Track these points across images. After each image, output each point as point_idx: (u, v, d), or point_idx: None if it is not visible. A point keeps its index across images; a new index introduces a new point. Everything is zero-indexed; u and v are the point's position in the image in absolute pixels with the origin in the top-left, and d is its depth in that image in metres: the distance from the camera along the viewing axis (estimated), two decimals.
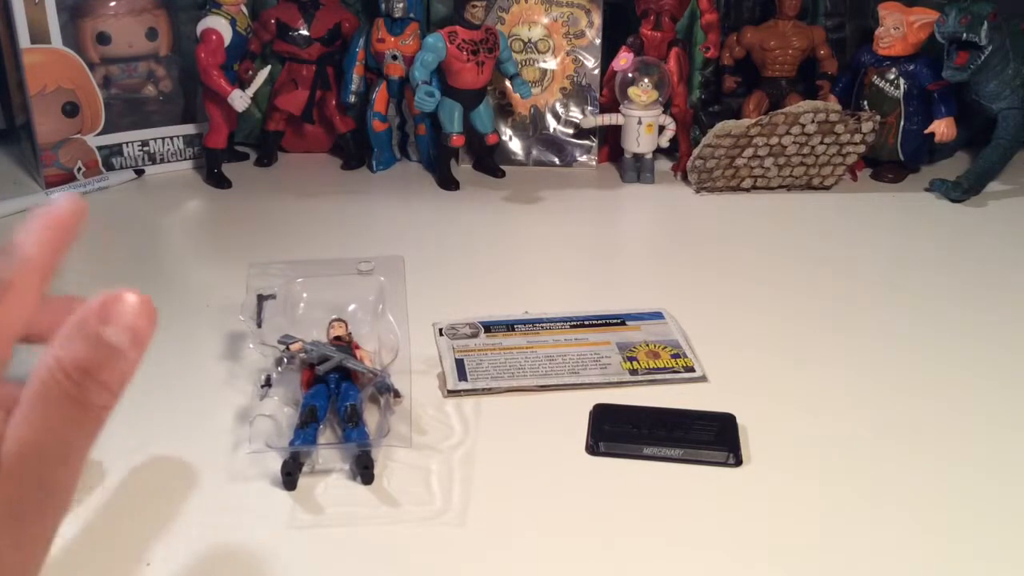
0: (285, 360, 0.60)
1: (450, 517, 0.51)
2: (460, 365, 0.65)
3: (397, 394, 0.59)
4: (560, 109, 1.04)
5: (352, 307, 0.67)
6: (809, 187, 0.98)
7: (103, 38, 0.97)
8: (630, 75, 0.97)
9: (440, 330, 0.69)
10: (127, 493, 0.53)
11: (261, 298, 0.66)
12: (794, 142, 0.94)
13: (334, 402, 0.57)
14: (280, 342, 0.60)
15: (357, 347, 0.61)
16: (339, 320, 0.63)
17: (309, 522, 0.51)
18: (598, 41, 1.03)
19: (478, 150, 1.02)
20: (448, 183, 0.98)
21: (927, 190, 0.97)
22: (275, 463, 0.54)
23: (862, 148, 0.96)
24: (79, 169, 0.97)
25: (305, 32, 0.98)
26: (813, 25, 1.04)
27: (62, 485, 0.28)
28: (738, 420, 0.58)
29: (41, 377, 0.27)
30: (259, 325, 0.64)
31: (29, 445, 0.27)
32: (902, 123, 0.98)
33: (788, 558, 0.49)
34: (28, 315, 0.29)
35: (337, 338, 0.61)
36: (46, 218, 0.30)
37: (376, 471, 0.54)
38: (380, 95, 1.00)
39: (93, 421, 0.27)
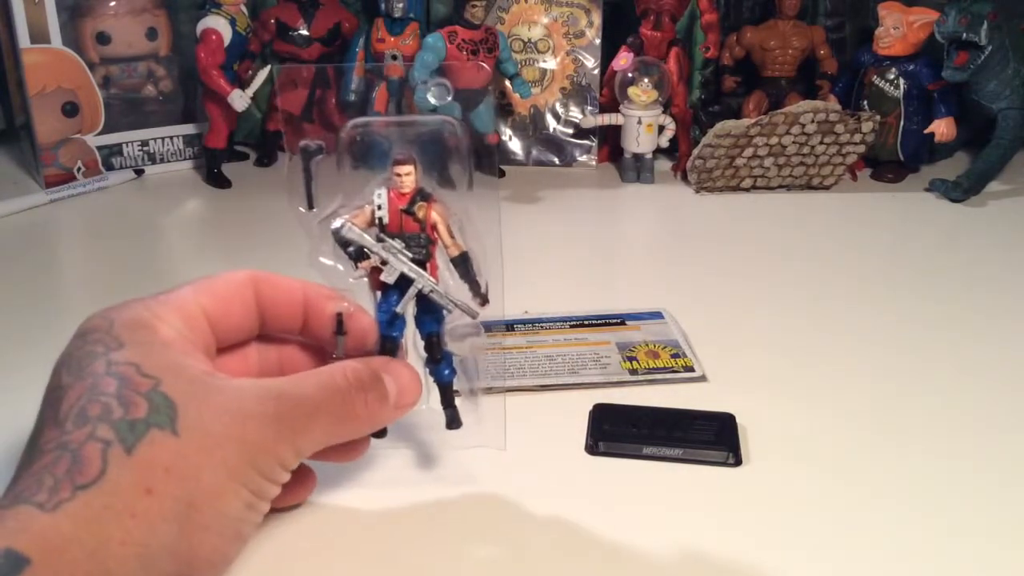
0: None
1: (448, 516, 0.51)
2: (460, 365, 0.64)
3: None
4: (560, 109, 1.04)
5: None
6: (809, 187, 0.98)
7: (103, 38, 0.97)
8: (630, 75, 0.97)
9: None
10: None
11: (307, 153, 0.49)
12: (794, 142, 0.94)
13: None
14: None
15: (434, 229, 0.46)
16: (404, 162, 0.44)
17: (306, 521, 0.51)
18: (598, 41, 1.03)
19: (478, 150, 1.02)
20: (448, 183, 0.98)
21: (927, 190, 0.97)
22: None
23: (862, 148, 0.96)
24: (79, 169, 0.97)
25: (305, 32, 0.99)
26: (813, 25, 1.04)
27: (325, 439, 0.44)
28: (738, 420, 0.58)
29: (344, 373, 0.44)
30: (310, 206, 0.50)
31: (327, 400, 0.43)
32: (902, 123, 0.98)
33: (787, 558, 0.49)
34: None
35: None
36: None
37: (372, 473, 0.54)
38: (380, 95, 0.99)
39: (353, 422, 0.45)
